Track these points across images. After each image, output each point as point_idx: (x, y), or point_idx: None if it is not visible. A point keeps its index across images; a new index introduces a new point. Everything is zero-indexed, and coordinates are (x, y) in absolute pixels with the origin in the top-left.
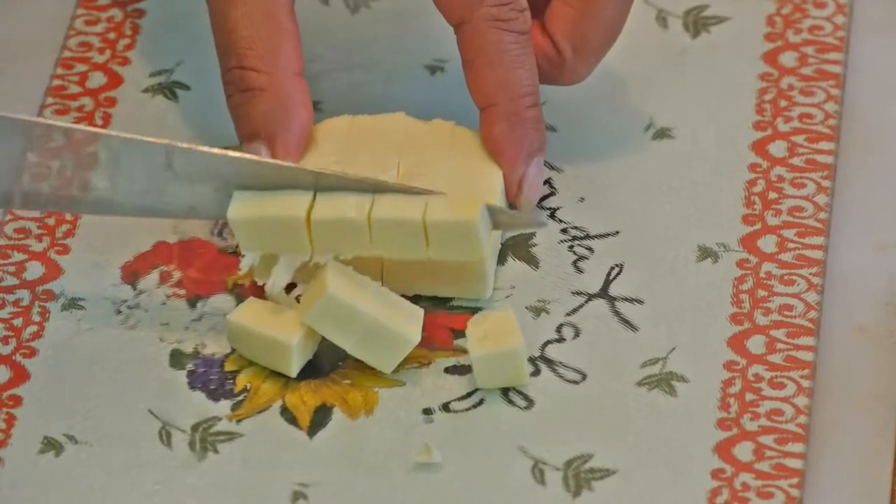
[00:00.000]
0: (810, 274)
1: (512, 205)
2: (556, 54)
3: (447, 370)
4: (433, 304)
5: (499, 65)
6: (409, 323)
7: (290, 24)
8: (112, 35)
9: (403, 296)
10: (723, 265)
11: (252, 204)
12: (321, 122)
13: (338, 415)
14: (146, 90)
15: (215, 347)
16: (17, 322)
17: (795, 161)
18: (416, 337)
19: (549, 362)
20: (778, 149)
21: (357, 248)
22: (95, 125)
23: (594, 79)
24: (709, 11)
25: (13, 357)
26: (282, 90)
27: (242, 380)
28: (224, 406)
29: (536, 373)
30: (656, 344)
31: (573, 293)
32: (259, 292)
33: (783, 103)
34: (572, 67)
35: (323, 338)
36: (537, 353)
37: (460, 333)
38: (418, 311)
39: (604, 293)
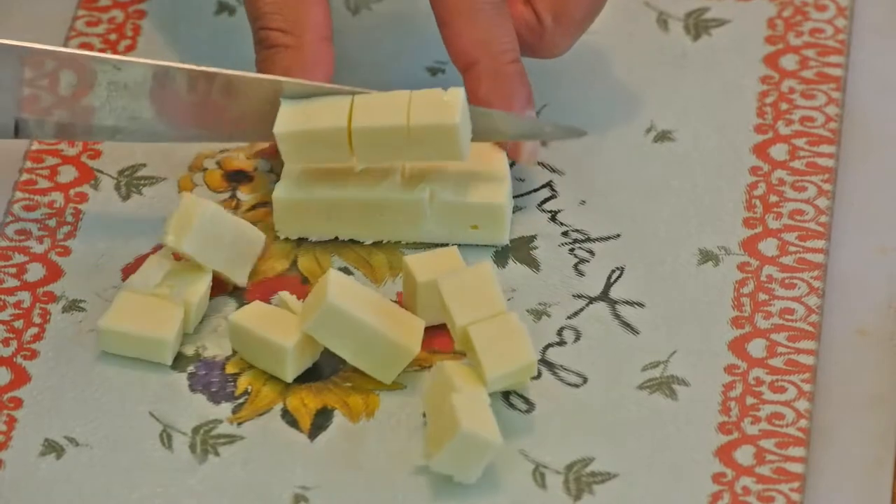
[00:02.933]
0: (811, 277)
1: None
2: (536, 23)
3: None
4: None
5: (474, 23)
6: (409, 333)
7: None
8: (113, 36)
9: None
10: (724, 268)
11: (296, 117)
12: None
13: (339, 418)
14: None
15: (216, 350)
16: (18, 324)
17: (796, 164)
18: (416, 348)
19: (550, 365)
20: (779, 152)
21: (396, 155)
22: None
23: (595, 81)
24: (710, 14)
25: (14, 359)
26: (306, 51)
27: (243, 382)
28: (225, 408)
29: (537, 376)
30: (657, 347)
31: (574, 296)
32: (263, 296)
33: (784, 106)
34: (552, 37)
35: None
36: (538, 357)
37: None
38: (419, 322)
39: (605, 296)
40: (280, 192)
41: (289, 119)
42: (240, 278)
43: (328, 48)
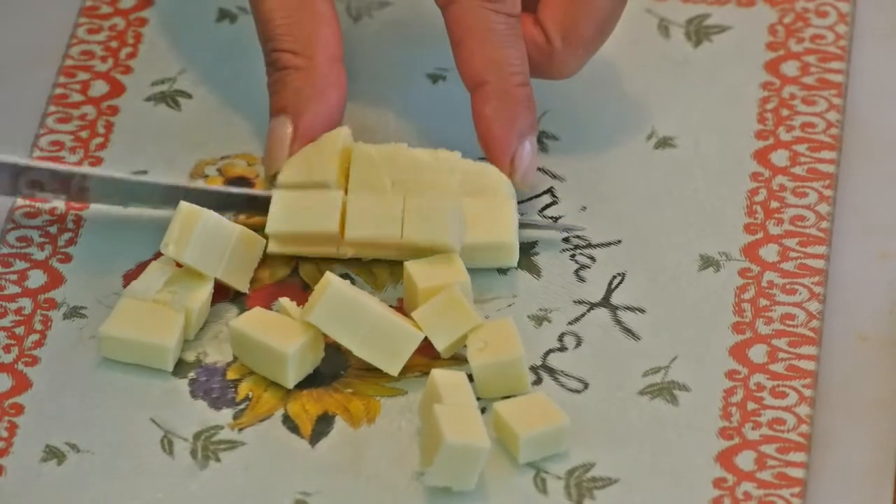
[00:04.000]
0: (812, 283)
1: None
2: (545, 44)
3: None
4: None
5: (488, 43)
6: (412, 321)
7: (326, 10)
8: (114, 43)
9: None
10: (724, 274)
11: (287, 215)
12: (316, 149)
13: (340, 423)
14: (148, 99)
15: (217, 356)
16: (19, 330)
17: (797, 170)
18: (421, 332)
19: (551, 371)
20: (780, 158)
21: (387, 254)
22: (98, 134)
23: (596, 87)
24: (711, 20)
25: (15, 365)
26: (317, 71)
27: (244, 388)
28: (226, 414)
29: (538, 382)
30: (658, 353)
31: (575, 302)
32: (264, 302)
33: (785, 112)
34: (562, 58)
35: (325, 346)
36: (539, 362)
37: None
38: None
39: (606, 302)
40: (273, 226)
41: (280, 218)
42: (241, 284)
43: (339, 69)
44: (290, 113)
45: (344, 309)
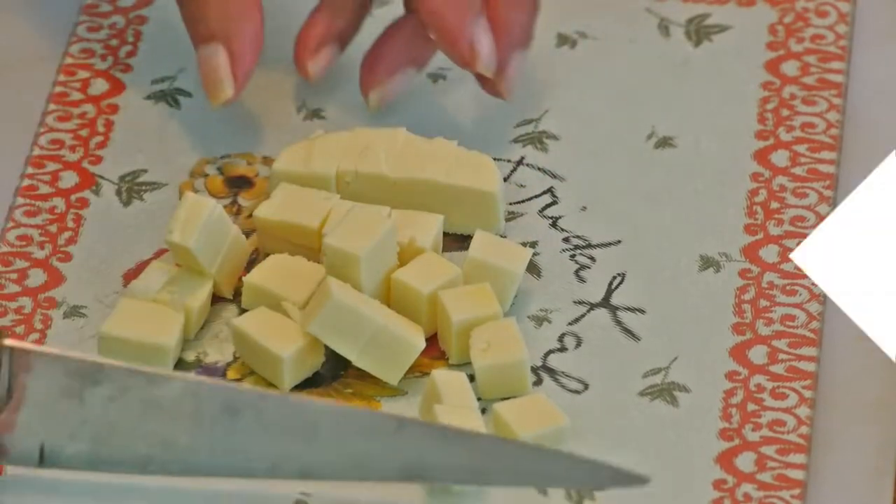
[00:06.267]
0: (812, 284)
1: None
2: None
3: None
4: None
5: None
6: (413, 330)
7: None
8: (114, 42)
9: None
10: (725, 275)
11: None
12: (319, 137)
13: None
14: (148, 97)
15: (217, 356)
16: (20, 330)
17: (797, 171)
18: (421, 343)
19: (551, 372)
20: (780, 158)
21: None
22: (98, 132)
23: (596, 87)
24: (711, 20)
25: None
26: None
27: None
28: None
29: (538, 382)
30: (658, 354)
31: (575, 302)
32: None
33: (785, 112)
34: None
35: (325, 347)
36: (539, 363)
37: None
38: (418, 326)
39: (606, 302)
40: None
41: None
42: (227, 289)
43: None
44: (219, 39)
45: (344, 320)
